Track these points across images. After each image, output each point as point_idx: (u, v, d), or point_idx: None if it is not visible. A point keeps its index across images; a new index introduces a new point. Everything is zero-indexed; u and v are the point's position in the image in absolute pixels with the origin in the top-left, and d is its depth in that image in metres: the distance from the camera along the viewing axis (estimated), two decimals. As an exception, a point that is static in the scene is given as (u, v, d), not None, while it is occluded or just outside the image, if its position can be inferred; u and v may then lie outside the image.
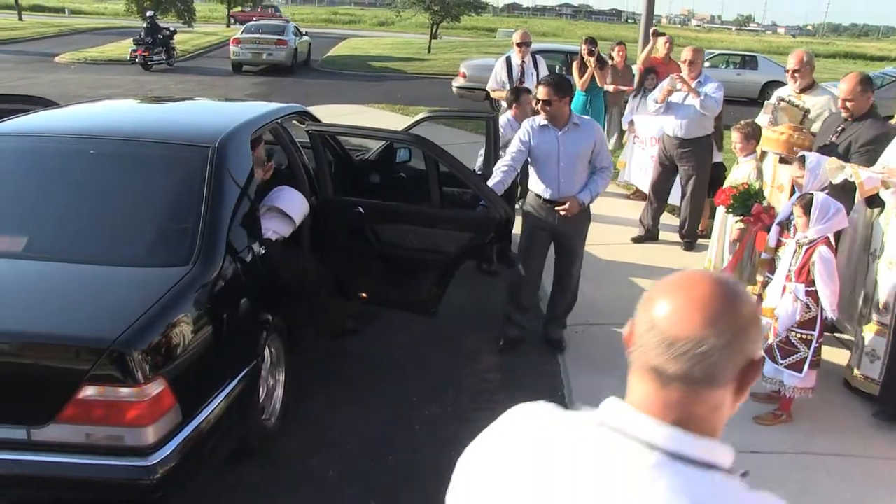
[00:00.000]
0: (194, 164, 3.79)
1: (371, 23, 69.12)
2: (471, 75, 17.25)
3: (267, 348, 3.93)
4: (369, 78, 23.66)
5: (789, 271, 4.31)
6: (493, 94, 8.65)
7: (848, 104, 5.09)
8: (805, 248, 4.26)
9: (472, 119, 8.84)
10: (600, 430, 1.16)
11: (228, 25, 49.23)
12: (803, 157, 4.75)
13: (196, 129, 4.26)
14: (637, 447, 1.13)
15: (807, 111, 5.74)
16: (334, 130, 5.52)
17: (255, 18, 32.62)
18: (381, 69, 25.82)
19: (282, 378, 4.21)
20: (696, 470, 1.11)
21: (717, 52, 25.48)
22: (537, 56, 8.53)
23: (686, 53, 7.07)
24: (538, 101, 4.90)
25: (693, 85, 6.86)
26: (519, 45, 8.32)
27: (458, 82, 17.20)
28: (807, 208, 4.23)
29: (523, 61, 8.27)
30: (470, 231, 4.80)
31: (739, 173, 5.79)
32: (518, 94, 6.58)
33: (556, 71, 8.39)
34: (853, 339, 4.91)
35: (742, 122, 6.02)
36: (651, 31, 9.48)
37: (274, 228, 4.33)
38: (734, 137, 5.90)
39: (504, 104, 7.62)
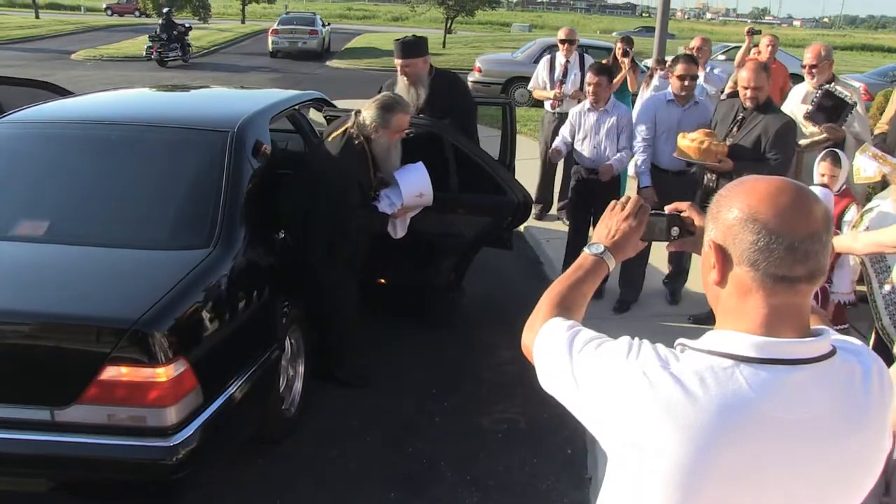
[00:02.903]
0: (214, 149, 3.79)
1: (385, 18, 69.19)
2: (486, 69, 17.34)
3: (287, 339, 3.93)
4: (386, 72, 23.65)
5: None
6: (535, 94, 8.08)
7: (752, 92, 4.87)
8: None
9: (490, 105, 8.58)
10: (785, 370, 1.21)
11: (243, 22, 49.39)
12: (835, 153, 4.66)
13: (215, 115, 4.27)
14: (829, 360, 1.24)
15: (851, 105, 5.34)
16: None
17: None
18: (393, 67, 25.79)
19: (301, 369, 4.21)
20: (846, 352, 1.28)
21: (733, 45, 25.27)
22: (585, 54, 7.90)
23: (694, 42, 7.58)
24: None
25: (701, 71, 6.99)
26: (563, 41, 7.65)
27: (473, 77, 17.24)
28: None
29: (568, 60, 7.63)
30: (488, 216, 4.79)
31: None
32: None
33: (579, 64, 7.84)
34: None
35: None
36: (746, 29, 8.47)
37: (388, 200, 4.36)
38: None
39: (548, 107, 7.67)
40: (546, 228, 7.62)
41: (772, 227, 1.19)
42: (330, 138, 4.34)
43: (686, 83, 5.43)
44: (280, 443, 3.92)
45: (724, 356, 1.22)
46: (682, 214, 1.66)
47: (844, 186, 4.66)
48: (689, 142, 4.92)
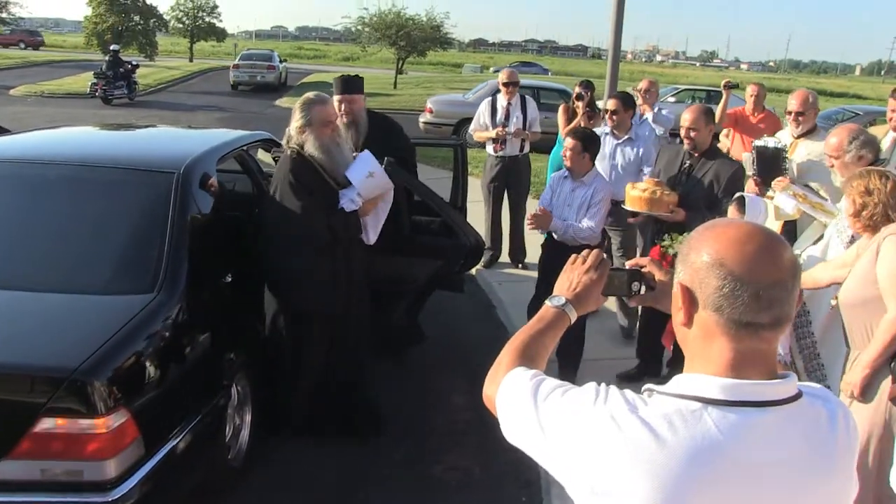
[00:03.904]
0: (159, 190, 3.75)
1: (336, 58, 69.56)
2: (437, 110, 17.51)
3: (234, 386, 3.86)
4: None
5: None
6: (476, 137, 7.79)
7: (692, 134, 4.84)
8: None
9: (441, 146, 8.58)
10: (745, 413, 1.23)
11: (191, 60, 49.25)
12: (742, 198, 4.73)
13: (161, 155, 4.22)
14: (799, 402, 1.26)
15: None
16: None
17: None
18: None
19: (248, 418, 4.13)
20: (812, 396, 1.30)
21: (683, 87, 26.03)
22: (527, 97, 7.81)
23: (642, 84, 7.64)
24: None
25: (649, 112, 7.23)
26: (505, 84, 7.50)
27: (424, 117, 17.43)
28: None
29: (510, 103, 7.48)
30: (440, 258, 4.81)
31: None
32: None
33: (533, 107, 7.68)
34: None
35: None
36: (724, 83, 8.31)
37: (347, 197, 4.16)
38: None
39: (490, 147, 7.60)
40: (498, 271, 7.64)
41: (737, 273, 1.22)
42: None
43: (614, 117, 5.98)
44: (226, 494, 3.82)
45: (691, 399, 1.23)
46: (642, 270, 1.69)
47: None
48: (640, 192, 4.80)
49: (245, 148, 4.84)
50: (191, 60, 49.31)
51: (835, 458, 1.27)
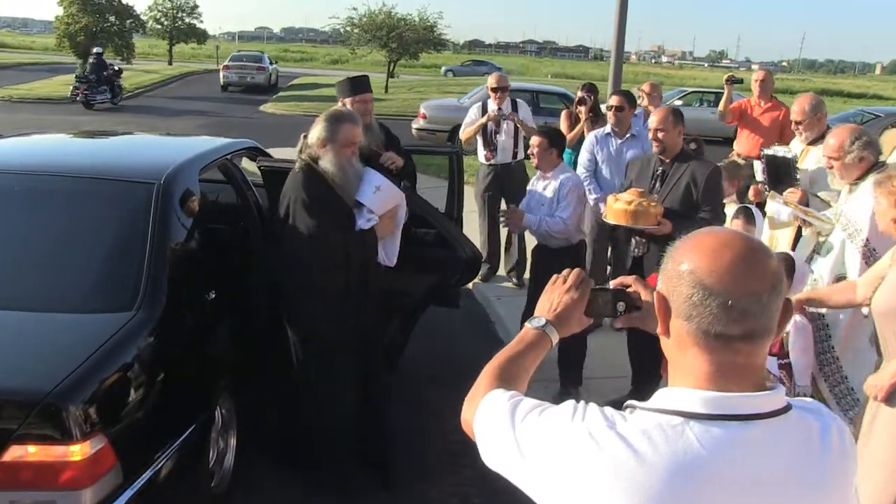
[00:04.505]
0: (139, 202, 3.75)
1: (324, 61, 69.72)
2: (431, 116, 17.47)
3: (218, 409, 3.86)
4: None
5: None
6: (462, 136, 7.83)
7: (660, 135, 4.78)
8: None
9: (436, 154, 8.56)
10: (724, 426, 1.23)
11: (170, 63, 49.26)
12: (748, 210, 4.71)
13: (140, 164, 4.22)
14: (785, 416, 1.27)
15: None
16: (288, 167, 5.47)
17: None
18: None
19: (233, 442, 4.12)
20: (802, 410, 1.31)
21: (691, 89, 26.14)
22: (518, 101, 7.80)
23: (644, 87, 7.65)
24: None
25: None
26: (494, 90, 7.46)
27: (417, 123, 17.41)
28: (789, 271, 3.96)
29: (500, 108, 7.45)
30: (434, 272, 4.81)
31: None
32: None
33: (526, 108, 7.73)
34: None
35: (725, 160, 6.05)
36: (725, 78, 8.19)
37: (362, 216, 4.10)
38: None
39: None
40: (496, 286, 7.66)
41: (707, 283, 1.24)
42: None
43: (617, 114, 6.25)
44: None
45: (673, 413, 1.24)
46: (628, 289, 1.70)
47: None
48: (624, 204, 4.66)
49: (229, 157, 4.85)
50: (170, 63, 49.31)
51: (828, 473, 1.28)
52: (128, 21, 43.10)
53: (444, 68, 56.70)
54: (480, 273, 7.19)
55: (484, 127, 7.53)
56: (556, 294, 1.70)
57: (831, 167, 4.32)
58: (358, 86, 4.98)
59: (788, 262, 3.99)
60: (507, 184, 7.53)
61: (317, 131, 4.09)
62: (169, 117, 22.54)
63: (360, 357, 4.19)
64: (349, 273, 4.04)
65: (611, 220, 4.82)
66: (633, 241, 5.01)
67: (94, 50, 25.83)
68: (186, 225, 3.90)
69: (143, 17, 47.64)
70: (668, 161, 4.87)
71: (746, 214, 4.53)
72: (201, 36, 53.85)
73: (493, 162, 7.58)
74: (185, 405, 3.53)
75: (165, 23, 50.74)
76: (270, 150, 5.74)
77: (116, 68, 25.13)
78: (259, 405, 4.47)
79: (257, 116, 24.16)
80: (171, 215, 3.79)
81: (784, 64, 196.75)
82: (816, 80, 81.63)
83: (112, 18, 41.95)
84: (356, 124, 4.18)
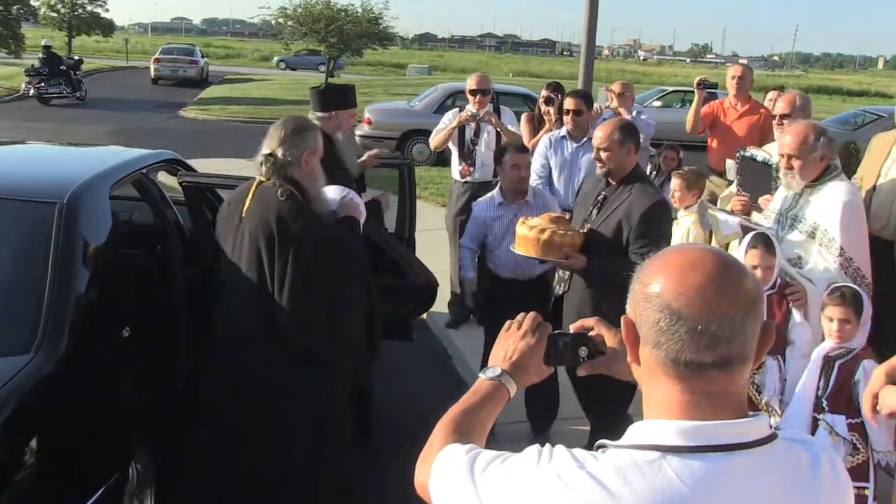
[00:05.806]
0: (37, 225, 3.69)
1: (253, 57, 69.62)
2: (377, 121, 17.41)
3: (132, 465, 3.79)
4: (253, 125, 23.41)
5: (818, 398, 3.80)
6: (433, 144, 7.59)
7: (603, 154, 4.49)
8: (839, 362, 3.78)
9: (384, 166, 8.51)
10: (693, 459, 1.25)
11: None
12: (767, 237, 4.69)
13: (40, 181, 4.17)
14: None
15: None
16: (214, 182, 5.45)
17: None
18: (268, 116, 25.76)
19: (150, 502, 4.06)
20: (790, 441, 1.35)
21: (672, 88, 26.50)
22: (502, 107, 7.63)
23: (615, 87, 7.71)
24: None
25: (627, 116, 7.14)
26: (473, 93, 7.19)
27: (362, 130, 17.24)
28: (857, 308, 3.77)
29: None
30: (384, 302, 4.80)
31: (678, 231, 5.68)
32: None
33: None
34: None
35: (685, 168, 6.15)
36: (696, 81, 8.10)
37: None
38: (672, 185, 5.98)
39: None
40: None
41: (675, 307, 1.26)
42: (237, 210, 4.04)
43: (576, 119, 6.38)
44: None
45: (648, 448, 1.26)
46: (590, 332, 1.72)
47: (780, 280, 4.24)
48: (528, 231, 4.49)
49: (145, 171, 4.80)
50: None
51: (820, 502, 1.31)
52: (14, 7, 41.61)
53: (275, 59, 57.10)
54: (451, 317, 7.24)
55: (461, 136, 7.29)
56: (511, 341, 1.72)
57: (791, 167, 4.33)
58: (351, 97, 5.35)
59: (857, 299, 3.81)
60: None
61: (290, 145, 3.90)
62: (66, 123, 22.19)
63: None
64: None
65: (518, 250, 4.61)
66: (556, 275, 4.89)
67: (43, 42, 27.36)
68: (95, 251, 3.84)
69: (35, 4, 46.21)
70: (612, 185, 4.60)
71: (766, 243, 4.18)
72: (107, 27, 52.83)
73: (469, 179, 7.35)
74: (92, 464, 3.46)
75: (63, 11, 49.34)
76: (193, 163, 5.69)
77: (75, 59, 27.49)
78: (182, 457, 4.41)
79: (175, 122, 23.95)
80: (77, 240, 3.72)
81: (776, 58, 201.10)
82: (813, 76, 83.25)
83: (-5, 4, 40.85)
84: (317, 129, 4.23)
